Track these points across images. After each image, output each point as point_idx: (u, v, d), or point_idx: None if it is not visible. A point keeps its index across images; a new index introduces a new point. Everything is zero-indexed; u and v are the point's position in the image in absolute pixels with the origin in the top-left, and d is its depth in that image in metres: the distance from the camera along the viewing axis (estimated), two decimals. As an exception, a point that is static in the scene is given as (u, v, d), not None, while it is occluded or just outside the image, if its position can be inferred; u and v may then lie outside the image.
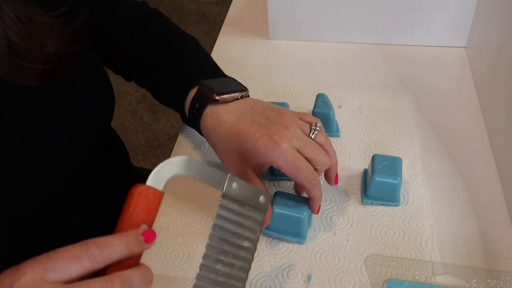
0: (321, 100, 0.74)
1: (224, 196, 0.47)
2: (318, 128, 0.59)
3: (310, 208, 0.61)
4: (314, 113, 0.74)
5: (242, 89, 0.65)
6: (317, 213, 0.61)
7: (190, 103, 0.65)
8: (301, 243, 0.61)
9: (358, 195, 0.67)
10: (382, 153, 0.68)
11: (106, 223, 0.53)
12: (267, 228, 0.61)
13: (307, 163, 0.57)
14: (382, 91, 0.82)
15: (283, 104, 0.74)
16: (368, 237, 0.62)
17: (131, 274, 0.40)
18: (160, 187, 0.44)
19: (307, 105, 0.80)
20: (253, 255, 0.48)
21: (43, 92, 0.57)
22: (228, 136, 0.60)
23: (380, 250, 0.60)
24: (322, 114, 0.73)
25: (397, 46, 0.93)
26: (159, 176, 0.44)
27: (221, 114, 0.61)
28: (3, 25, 0.51)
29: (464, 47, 0.92)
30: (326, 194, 0.67)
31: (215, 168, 0.46)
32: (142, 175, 0.88)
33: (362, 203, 0.65)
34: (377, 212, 0.64)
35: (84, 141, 0.61)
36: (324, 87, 0.81)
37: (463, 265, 0.58)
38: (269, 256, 0.60)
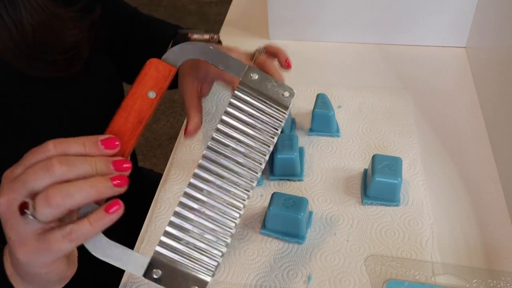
0: (321, 100, 0.74)
1: (242, 84, 0.45)
2: (261, 51, 0.67)
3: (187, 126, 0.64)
4: (314, 113, 0.74)
5: (209, 33, 0.71)
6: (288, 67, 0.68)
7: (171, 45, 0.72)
8: (300, 243, 0.61)
9: (358, 195, 0.66)
10: (382, 153, 0.68)
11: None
12: (265, 228, 0.61)
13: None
14: (382, 91, 0.82)
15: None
16: (368, 237, 0.62)
17: (75, 157, 0.40)
18: (173, 64, 0.46)
19: (307, 105, 0.80)
20: (269, 149, 0.45)
21: (55, 86, 0.60)
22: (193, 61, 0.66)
23: (380, 250, 0.60)
24: (322, 114, 0.73)
25: (397, 46, 0.93)
26: (175, 54, 0.46)
27: None
28: (30, 18, 0.54)
29: (464, 47, 0.92)
30: (326, 194, 0.67)
31: (234, 60, 0.46)
32: (144, 175, 0.88)
33: (362, 203, 0.65)
34: (377, 212, 0.64)
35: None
36: (324, 87, 0.81)
37: (463, 265, 0.58)
38: (269, 256, 0.60)
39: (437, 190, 0.67)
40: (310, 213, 0.64)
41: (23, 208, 0.39)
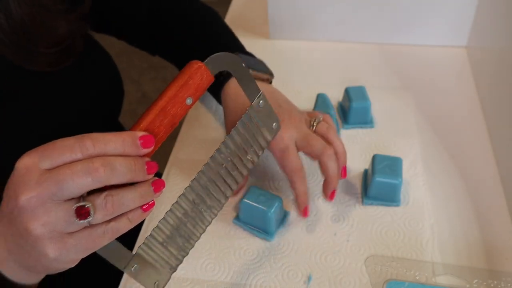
0: (321, 100, 0.74)
1: (251, 108, 0.50)
2: (319, 119, 0.63)
3: (297, 206, 0.63)
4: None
5: (270, 72, 0.71)
6: (304, 215, 0.63)
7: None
8: (268, 240, 0.62)
9: (359, 195, 0.66)
10: (383, 153, 0.68)
11: None
12: (238, 219, 0.63)
13: (297, 155, 0.61)
14: (382, 91, 0.82)
15: (283, 104, 0.74)
16: (368, 238, 0.61)
17: (115, 160, 0.39)
18: (212, 72, 0.45)
19: (307, 105, 0.79)
20: (253, 164, 0.51)
21: (51, 80, 0.60)
22: (243, 109, 0.62)
23: (381, 251, 0.60)
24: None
25: (397, 46, 0.93)
26: (214, 62, 0.45)
27: None
28: (20, 9, 0.54)
29: (465, 47, 0.92)
30: (326, 194, 0.67)
31: (254, 82, 0.49)
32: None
33: (363, 203, 0.65)
34: (377, 212, 0.64)
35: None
36: (324, 87, 0.81)
37: (464, 266, 0.58)
38: (269, 256, 0.60)
39: (438, 190, 0.67)
40: (286, 212, 0.64)
41: (82, 212, 0.38)
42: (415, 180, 0.68)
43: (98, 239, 0.39)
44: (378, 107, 0.79)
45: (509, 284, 0.56)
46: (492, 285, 0.56)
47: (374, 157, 0.65)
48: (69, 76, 0.63)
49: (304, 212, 0.62)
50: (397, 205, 0.65)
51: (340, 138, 0.63)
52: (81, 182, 0.37)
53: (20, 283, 0.45)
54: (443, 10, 0.87)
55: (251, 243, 0.62)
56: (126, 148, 0.40)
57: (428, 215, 0.64)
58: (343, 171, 0.63)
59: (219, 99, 0.70)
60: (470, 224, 0.63)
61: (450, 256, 0.59)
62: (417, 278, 0.57)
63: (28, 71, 0.58)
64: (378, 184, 0.63)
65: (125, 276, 0.59)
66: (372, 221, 0.63)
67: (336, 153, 0.61)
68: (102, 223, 0.39)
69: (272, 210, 0.60)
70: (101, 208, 0.38)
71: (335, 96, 0.81)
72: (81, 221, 0.38)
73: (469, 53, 0.90)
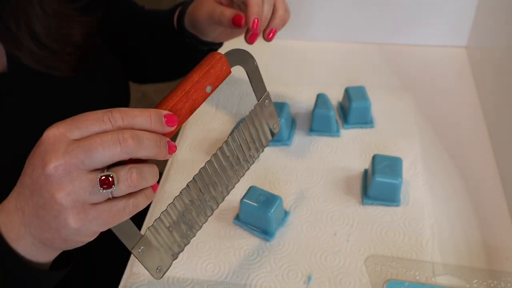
0: (321, 100, 0.74)
1: (258, 104, 0.52)
2: None
3: (246, 21, 0.61)
4: (314, 113, 0.73)
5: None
6: (253, 28, 0.61)
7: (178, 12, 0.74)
8: (268, 240, 0.62)
9: (358, 195, 0.66)
10: (382, 153, 0.68)
11: None
12: (238, 219, 0.63)
13: None
14: (382, 91, 0.82)
15: (283, 104, 0.74)
16: (368, 238, 0.61)
17: (143, 133, 0.40)
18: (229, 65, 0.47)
19: (307, 105, 0.79)
20: (253, 161, 0.53)
21: (59, 82, 0.61)
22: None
23: (381, 251, 0.60)
24: (322, 114, 0.73)
25: (397, 46, 0.93)
26: (232, 56, 0.47)
27: None
28: (36, 18, 0.56)
29: (465, 47, 0.92)
30: (326, 194, 0.67)
31: (262, 81, 0.51)
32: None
33: (363, 203, 0.65)
34: (377, 212, 0.64)
35: None
36: (324, 87, 0.81)
37: (464, 266, 0.58)
38: (269, 256, 0.60)
39: (438, 190, 0.67)
40: (286, 212, 0.64)
41: (107, 182, 0.38)
42: (415, 180, 0.68)
43: (118, 213, 0.40)
44: (378, 107, 0.79)
45: (509, 284, 0.56)
46: (492, 285, 0.56)
47: (374, 157, 0.65)
48: (77, 78, 0.64)
49: (253, 24, 0.60)
50: (397, 205, 0.65)
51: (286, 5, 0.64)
52: (109, 152, 0.38)
53: (35, 261, 0.45)
54: (443, 10, 0.87)
55: (251, 243, 0.62)
56: (153, 124, 0.41)
57: (428, 215, 0.64)
58: (271, 33, 0.63)
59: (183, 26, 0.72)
60: (470, 224, 0.63)
61: (450, 256, 0.59)
62: (417, 278, 0.57)
63: (29, 71, 0.58)
64: (378, 184, 0.63)
65: (125, 277, 0.59)
66: (372, 221, 0.63)
67: (275, 11, 0.62)
68: (123, 197, 0.40)
69: (272, 210, 0.60)
70: (124, 179, 0.39)
71: (335, 96, 0.81)
72: (105, 191, 0.38)
73: (469, 53, 0.90)
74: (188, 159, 0.73)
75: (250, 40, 0.63)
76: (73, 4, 0.62)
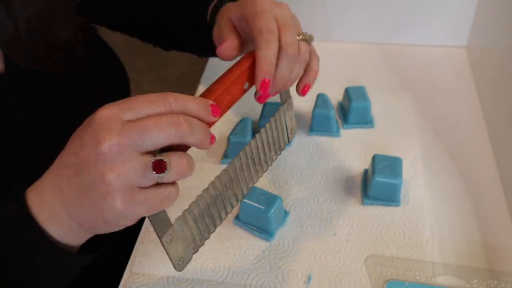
0: (321, 100, 0.74)
1: (282, 107, 0.55)
2: (311, 39, 0.58)
3: (255, 78, 0.48)
4: (314, 113, 0.74)
5: None
6: (263, 91, 0.48)
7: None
8: (268, 240, 0.62)
9: (358, 195, 0.66)
10: (382, 153, 0.68)
11: None
12: (238, 219, 0.63)
13: (274, 21, 0.50)
14: (382, 91, 0.82)
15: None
16: (368, 238, 0.61)
17: (194, 119, 0.40)
18: None
19: (307, 105, 0.79)
20: (271, 163, 0.55)
21: (58, 80, 0.61)
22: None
23: (381, 251, 0.60)
24: (322, 114, 0.73)
25: (397, 46, 0.93)
26: None
27: None
28: (26, 11, 0.55)
29: (465, 47, 0.92)
30: (326, 194, 0.67)
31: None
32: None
33: (363, 203, 0.65)
34: (377, 212, 0.64)
35: None
36: (324, 87, 0.81)
37: (464, 266, 0.58)
38: (269, 256, 0.60)
39: (438, 190, 0.67)
40: (286, 212, 0.64)
41: (160, 166, 0.38)
42: (415, 180, 0.68)
43: (164, 200, 0.40)
44: (378, 107, 0.79)
45: (509, 284, 0.56)
46: (492, 285, 0.56)
47: (374, 157, 0.65)
48: (76, 76, 0.64)
49: (262, 85, 0.47)
50: (397, 205, 0.65)
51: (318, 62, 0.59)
52: (164, 134, 0.38)
53: (64, 243, 0.43)
54: (443, 10, 0.87)
55: (251, 243, 0.62)
56: (201, 111, 0.41)
57: (428, 215, 0.64)
58: (306, 87, 0.58)
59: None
60: (470, 224, 0.63)
61: (450, 256, 0.59)
62: (417, 278, 0.57)
63: (29, 71, 0.58)
64: (378, 184, 0.63)
65: (125, 277, 0.59)
66: (372, 221, 0.63)
67: (309, 68, 0.57)
68: (169, 184, 0.40)
69: (272, 210, 0.60)
70: (176, 165, 0.39)
71: (335, 96, 0.81)
72: (157, 175, 0.38)
73: (469, 53, 0.90)
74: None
75: (259, 100, 0.51)
76: (66, 2, 0.61)
